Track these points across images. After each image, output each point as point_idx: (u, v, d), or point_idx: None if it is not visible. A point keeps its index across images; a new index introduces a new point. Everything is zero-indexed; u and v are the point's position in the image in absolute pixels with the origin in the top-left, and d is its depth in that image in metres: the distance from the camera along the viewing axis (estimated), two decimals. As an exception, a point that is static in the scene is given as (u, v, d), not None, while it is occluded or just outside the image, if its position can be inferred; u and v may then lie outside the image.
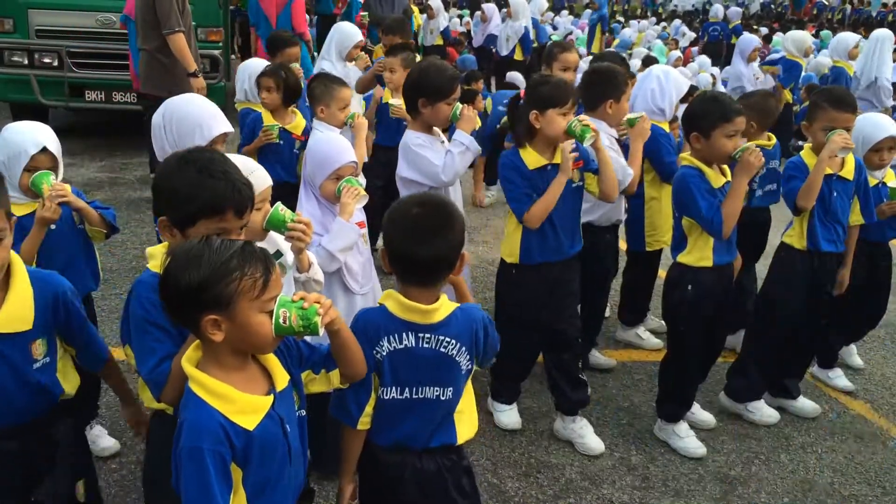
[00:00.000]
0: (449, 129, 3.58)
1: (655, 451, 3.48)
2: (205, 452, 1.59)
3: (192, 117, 2.64)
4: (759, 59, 9.57)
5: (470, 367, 2.07)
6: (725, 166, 3.28)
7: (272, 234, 2.40)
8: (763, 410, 3.73)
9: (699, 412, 3.71)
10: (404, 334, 1.99)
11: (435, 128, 3.51)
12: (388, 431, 2.05)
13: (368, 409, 2.03)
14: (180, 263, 1.64)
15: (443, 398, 2.04)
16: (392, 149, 4.64)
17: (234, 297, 1.62)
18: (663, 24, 22.16)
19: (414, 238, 1.94)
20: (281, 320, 1.69)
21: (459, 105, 3.41)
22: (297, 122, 4.36)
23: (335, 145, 3.04)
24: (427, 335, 1.99)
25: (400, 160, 3.45)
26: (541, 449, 3.44)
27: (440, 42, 9.24)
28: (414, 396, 2.03)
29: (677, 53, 14.63)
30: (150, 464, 2.13)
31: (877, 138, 3.64)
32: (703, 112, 3.23)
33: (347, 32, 5.58)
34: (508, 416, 3.58)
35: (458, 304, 2.06)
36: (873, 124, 3.70)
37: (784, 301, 3.60)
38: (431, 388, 2.03)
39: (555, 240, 3.25)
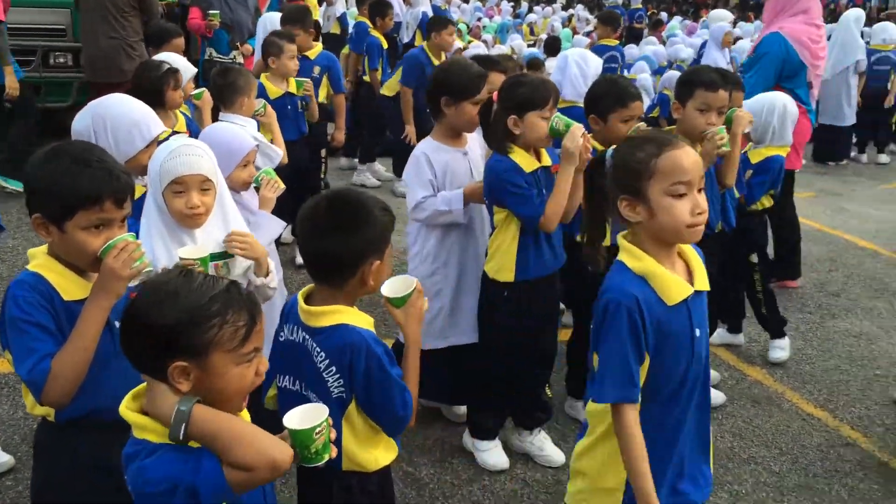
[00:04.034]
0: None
1: (567, 430, 3.56)
2: None
3: (128, 118, 2.56)
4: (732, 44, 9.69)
5: (343, 396, 1.90)
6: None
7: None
8: None
9: None
10: (295, 328, 1.96)
11: (465, 134, 3.25)
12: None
13: (272, 391, 2.01)
14: (152, 299, 1.45)
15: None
16: (292, 143, 4.63)
17: (210, 346, 1.43)
18: (570, 10, 22.57)
19: (306, 231, 1.92)
20: (317, 430, 1.56)
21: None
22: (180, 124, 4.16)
23: (234, 133, 2.99)
24: (308, 337, 1.93)
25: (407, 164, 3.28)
26: (455, 435, 3.46)
27: (337, 30, 9.12)
28: (303, 392, 1.99)
29: (586, 40, 14.93)
30: (38, 480, 2.00)
31: None
32: (602, 95, 3.30)
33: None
34: (494, 455, 3.25)
35: (349, 323, 1.90)
36: None
37: None
38: (311, 394, 1.96)
39: (549, 251, 3.06)
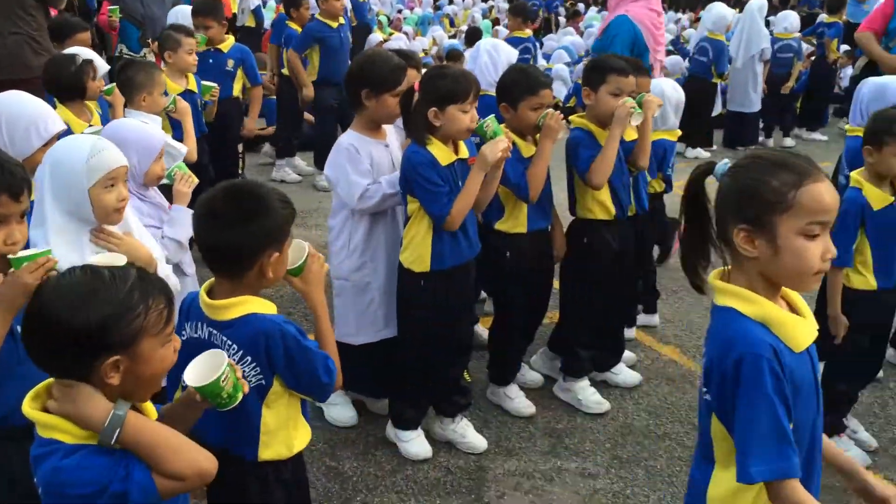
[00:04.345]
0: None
1: (489, 415, 3.61)
2: None
3: (25, 116, 2.52)
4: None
5: (262, 383, 1.93)
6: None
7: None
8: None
9: (528, 373, 3.88)
10: (199, 324, 1.93)
11: (385, 126, 3.24)
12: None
13: (178, 393, 1.98)
14: (68, 302, 1.44)
15: None
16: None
17: (138, 334, 1.47)
18: (490, 2, 22.70)
19: (203, 223, 1.90)
20: (223, 377, 1.59)
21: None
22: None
23: (142, 128, 2.98)
24: (216, 332, 1.92)
25: (329, 158, 3.23)
26: (379, 427, 3.47)
27: (252, 23, 8.98)
28: None
29: (506, 31, 15.05)
30: None
31: None
32: (511, 84, 3.35)
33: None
34: (417, 445, 3.28)
35: (256, 312, 1.92)
36: None
37: (593, 272, 3.62)
38: None
39: (465, 241, 3.10)
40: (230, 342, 1.90)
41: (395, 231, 3.29)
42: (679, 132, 4.31)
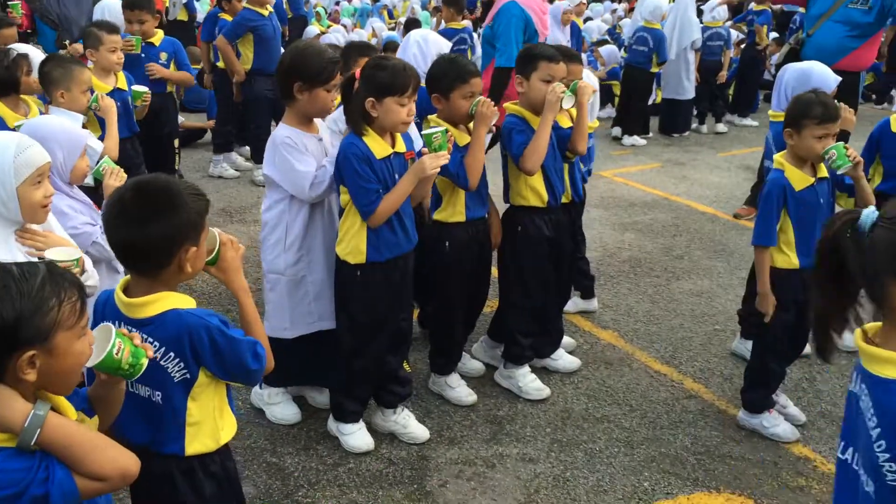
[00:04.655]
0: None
1: (431, 405, 3.63)
2: None
3: None
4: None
5: (188, 376, 1.91)
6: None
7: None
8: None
9: (469, 362, 3.91)
10: (117, 323, 1.90)
11: (316, 120, 3.21)
12: (115, 423, 1.96)
13: None
14: None
15: (153, 399, 1.94)
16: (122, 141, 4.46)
17: (53, 327, 1.46)
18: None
19: (114, 221, 1.86)
20: (115, 350, 1.56)
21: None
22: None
23: (66, 124, 2.96)
24: (136, 330, 1.89)
25: (266, 156, 3.17)
26: (320, 421, 3.46)
27: (184, 17, 8.79)
28: (132, 389, 1.94)
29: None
30: None
31: None
32: (442, 74, 3.36)
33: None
34: (358, 438, 3.27)
35: (176, 307, 1.90)
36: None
37: (528, 259, 3.65)
38: (142, 386, 1.94)
39: (402, 232, 3.10)
40: (152, 340, 1.87)
41: (332, 225, 3.27)
42: (597, 123, 4.38)
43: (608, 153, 8.44)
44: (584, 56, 8.60)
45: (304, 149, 3.10)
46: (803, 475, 3.20)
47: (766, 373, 3.47)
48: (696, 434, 3.47)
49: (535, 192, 3.54)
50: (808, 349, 3.94)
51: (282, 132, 3.14)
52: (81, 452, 1.48)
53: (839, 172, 3.18)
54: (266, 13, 6.62)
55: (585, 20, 12.22)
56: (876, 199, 3.42)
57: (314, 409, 3.55)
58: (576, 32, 9.93)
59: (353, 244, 3.05)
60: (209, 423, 1.98)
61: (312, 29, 11.53)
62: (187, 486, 1.98)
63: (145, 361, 1.66)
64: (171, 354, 1.88)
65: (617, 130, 9.09)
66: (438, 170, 3.02)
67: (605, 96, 10.30)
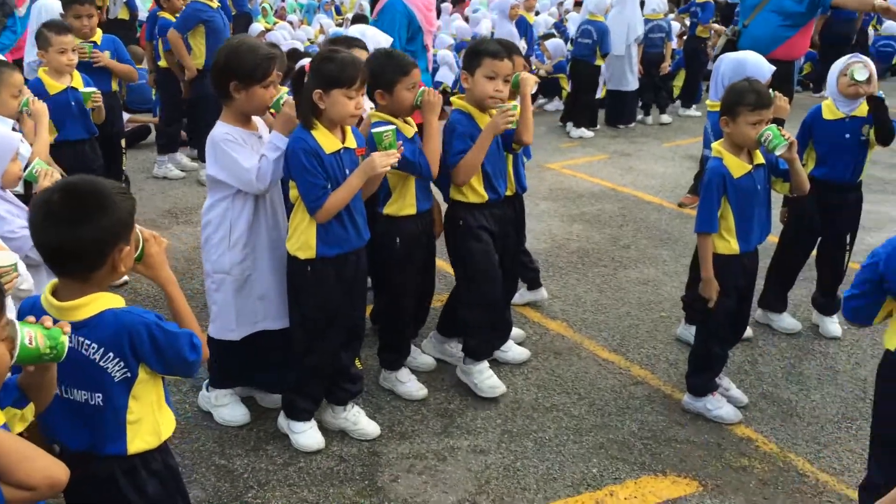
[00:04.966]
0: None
1: (382, 401, 3.63)
2: None
3: None
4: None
5: (128, 375, 1.91)
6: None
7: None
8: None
9: (419, 356, 3.91)
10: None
11: (255, 118, 3.17)
12: (49, 430, 1.93)
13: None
14: None
15: (92, 402, 1.91)
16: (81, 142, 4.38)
17: None
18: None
19: (41, 225, 1.82)
20: (27, 341, 1.52)
21: (284, 95, 3.06)
22: None
23: None
24: (70, 333, 1.86)
25: (207, 156, 3.12)
26: (269, 422, 3.43)
27: (125, 15, 8.62)
28: (65, 395, 1.91)
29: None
30: None
31: None
32: (381, 69, 3.35)
33: None
34: (310, 436, 3.24)
35: (111, 307, 1.89)
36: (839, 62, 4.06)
37: (475, 257, 3.61)
38: (79, 391, 1.91)
39: (353, 228, 3.08)
40: (88, 341, 1.84)
41: (276, 223, 3.24)
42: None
43: (557, 146, 8.52)
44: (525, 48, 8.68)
45: (245, 143, 3.08)
46: (746, 455, 3.29)
47: (709, 357, 3.55)
48: (643, 419, 3.54)
49: (473, 190, 3.53)
50: (749, 332, 4.06)
51: (219, 130, 3.10)
52: (9, 461, 1.45)
53: (776, 154, 3.25)
54: (215, 6, 6.59)
55: (537, 13, 12.28)
56: (810, 183, 3.53)
57: (263, 410, 3.52)
58: (523, 26, 10.01)
59: (303, 239, 3.04)
60: (149, 419, 1.98)
61: (257, 26, 11.41)
62: (130, 487, 1.96)
63: (65, 339, 1.63)
64: (111, 355, 1.86)
65: (569, 125, 9.18)
66: (388, 168, 3.02)
67: (553, 90, 10.42)
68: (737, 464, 3.23)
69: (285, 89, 3.10)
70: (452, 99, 3.63)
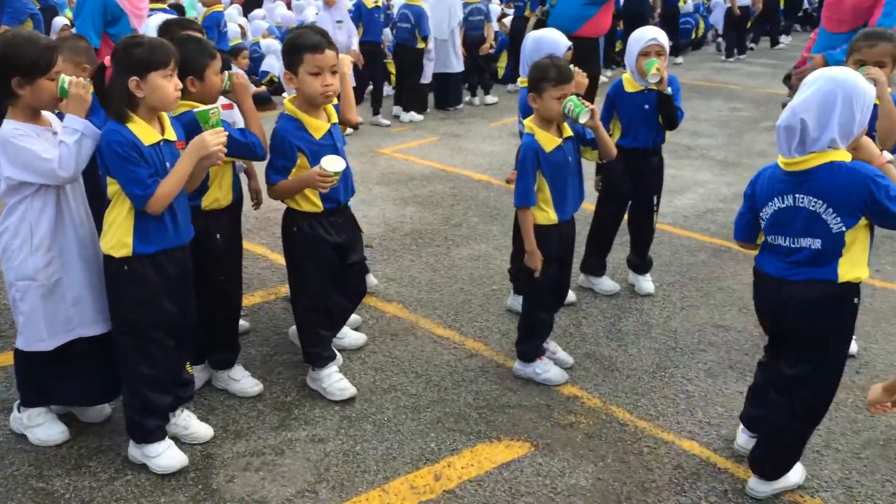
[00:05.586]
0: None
1: (215, 402, 3.51)
2: None
3: None
4: None
5: None
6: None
7: None
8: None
9: (349, 334, 3.95)
10: None
11: (45, 113, 2.93)
12: None
13: None
14: None
15: None
16: None
17: None
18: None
19: None
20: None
21: (66, 77, 2.86)
22: None
23: None
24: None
25: (1, 160, 2.83)
26: (91, 436, 3.23)
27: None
28: None
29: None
30: None
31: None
32: (192, 54, 3.19)
33: None
34: (170, 457, 3.03)
35: None
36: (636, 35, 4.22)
37: (311, 265, 3.53)
38: None
39: (173, 224, 2.92)
40: None
41: (81, 223, 3.04)
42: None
43: (388, 131, 8.55)
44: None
45: (39, 137, 2.88)
46: (573, 412, 3.47)
47: (536, 324, 3.70)
48: (478, 390, 3.64)
49: (308, 200, 3.40)
50: (572, 296, 4.28)
51: (8, 127, 2.87)
52: None
53: (581, 122, 3.40)
54: (37, 3, 6.49)
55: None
56: (618, 152, 3.76)
57: (85, 425, 3.31)
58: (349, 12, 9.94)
59: (118, 237, 2.87)
60: None
61: (60, 20, 10.60)
62: None
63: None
64: None
65: (397, 109, 9.23)
66: (220, 147, 2.87)
67: (382, 75, 10.44)
68: (564, 421, 3.41)
69: (66, 77, 2.89)
70: (285, 102, 3.46)
